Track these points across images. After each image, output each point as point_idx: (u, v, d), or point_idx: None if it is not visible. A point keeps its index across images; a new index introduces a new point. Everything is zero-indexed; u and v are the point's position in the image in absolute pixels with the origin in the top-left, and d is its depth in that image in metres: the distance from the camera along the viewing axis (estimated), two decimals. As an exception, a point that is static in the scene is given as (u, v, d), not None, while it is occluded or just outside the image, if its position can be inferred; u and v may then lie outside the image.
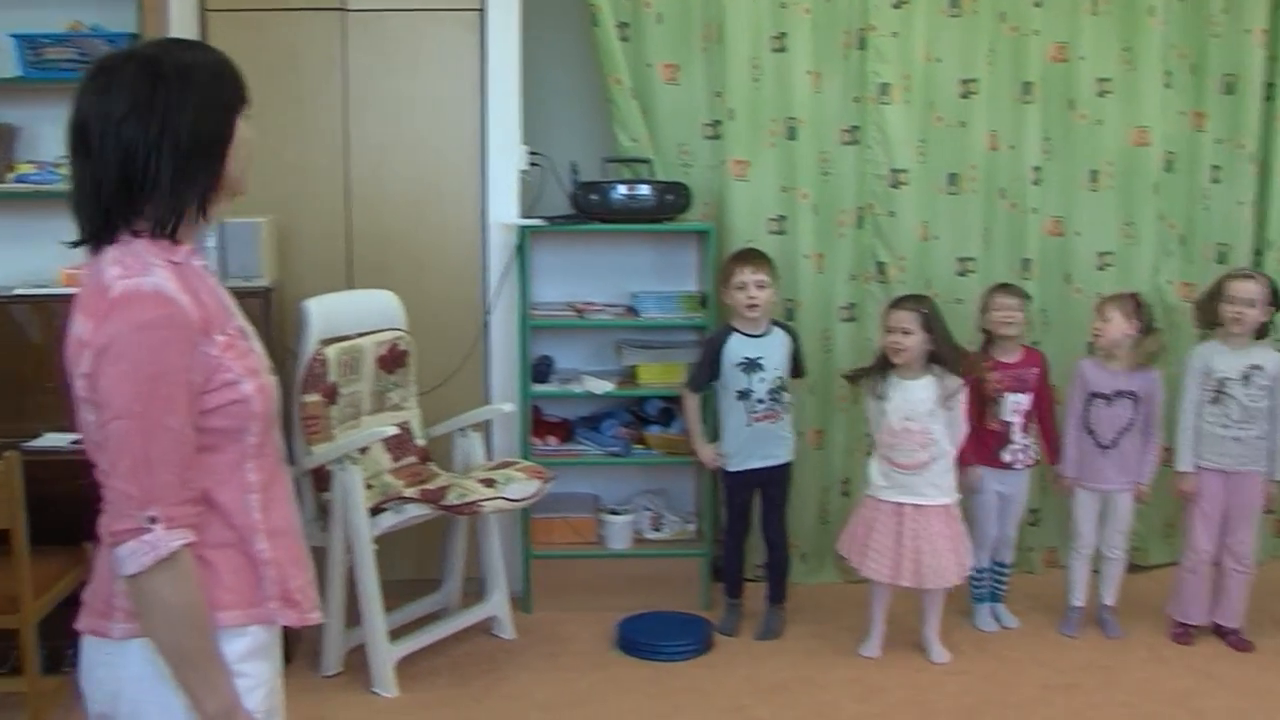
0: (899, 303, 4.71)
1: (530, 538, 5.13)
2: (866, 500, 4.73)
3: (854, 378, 4.89)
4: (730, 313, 4.86)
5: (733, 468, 4.87)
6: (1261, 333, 4.80)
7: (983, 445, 4.91)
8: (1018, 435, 4.92)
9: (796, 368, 4.97)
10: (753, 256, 4.83)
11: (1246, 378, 4.77)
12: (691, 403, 4.89)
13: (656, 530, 5.29)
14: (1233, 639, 4.96)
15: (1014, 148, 5.41)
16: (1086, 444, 4.91)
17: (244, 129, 2.02)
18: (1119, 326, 4.81)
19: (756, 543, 5.09)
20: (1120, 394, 4.87)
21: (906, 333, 4.59)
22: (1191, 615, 4.98)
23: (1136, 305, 4.86)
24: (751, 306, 4.75)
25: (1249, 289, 4.74)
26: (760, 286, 4.75)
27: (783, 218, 5.25)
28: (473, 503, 4.43)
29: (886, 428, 4.63)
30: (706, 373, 4.85)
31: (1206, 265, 5.58)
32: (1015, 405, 4.90)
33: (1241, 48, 5.51)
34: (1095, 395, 4.87)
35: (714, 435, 4.94)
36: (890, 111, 5.25)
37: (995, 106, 5.38)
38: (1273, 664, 4.81)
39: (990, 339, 4.96)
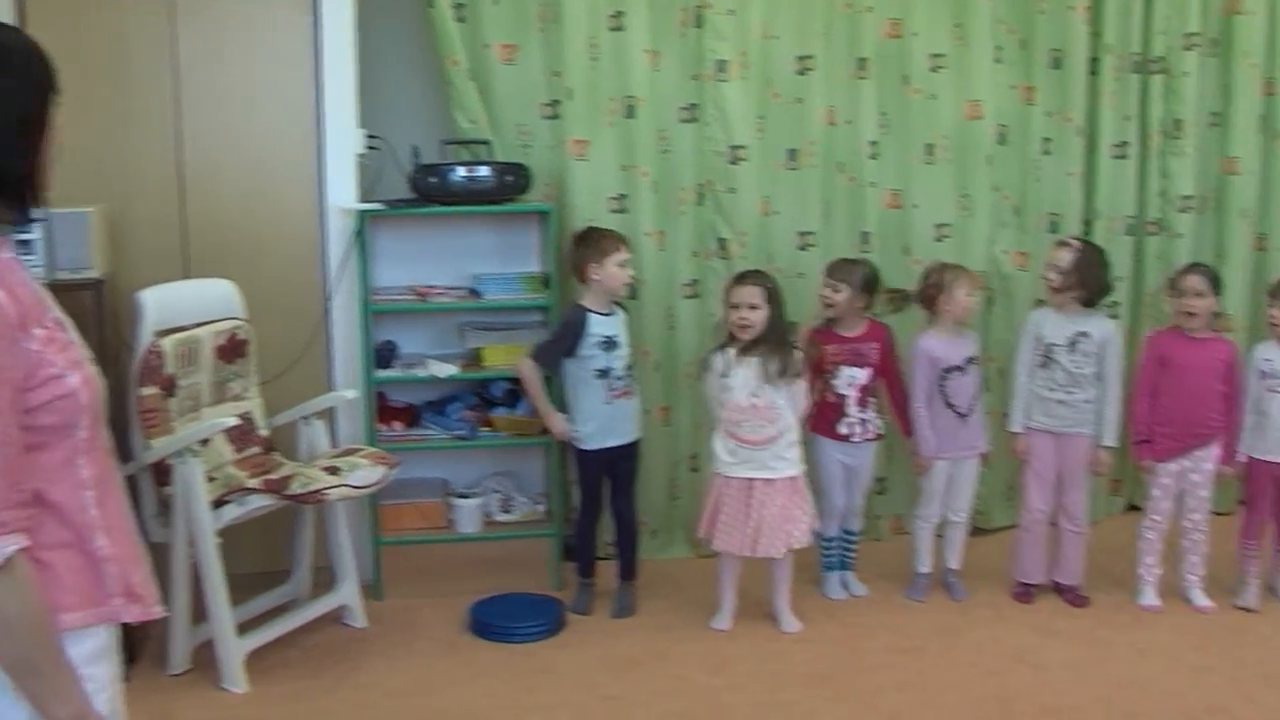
0: (744, 278, 4.74)
1: (379, 524, 5.07)
2: (715, 478, 4.75)
3: (706, 364, 4.88)
4: (581, 292, 4.86)
5: (590, 446, 4.86)
6: (1089, 301, 4.94)
7: (822, 417, 4.99)
8: (853, 409, 4.98)
9: None
10: (623, 240, 4.86)
11: (1073, 344, 4.91)
12: (533, 372, 4.85)
13: (506, 512, 5.28)
14: (1070, 595, 5.11)
15: (851, 123, 5.48)
16: (946, 417, 5.00)
17: (56, 117, 1.95)
18: (963, 294, 4.92)
19: (606, 520, 5.10)
20: (971, 361, 4.98)
21: (754, 307, 4.63)
22: (1031, 574, 5.13)
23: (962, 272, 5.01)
24: (626, 285, 4.84)
25: (1064, 257, 4.92)
26: (620, 264, 4.80)
27: (623, 196, 5.26)
28: (317, 491, 4.37)
29: (733, 405, 4.66)
30: (561, 350, 4.82)
31: (1040, 235, 5.72)
32: (851, 379, 4.96)
33: (1066, 24, 5.66)
34: (950, 369, 4.97)
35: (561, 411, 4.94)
36: (728, 89, 5.28)
37: (831, 83, 5.44)
38: (1109, 618, 4.97)
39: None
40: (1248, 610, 5.03)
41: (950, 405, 4.99)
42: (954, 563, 5.20)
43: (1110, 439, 5.01)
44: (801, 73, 5.39)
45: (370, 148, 5.10)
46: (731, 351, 4.68)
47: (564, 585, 5.15)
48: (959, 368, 4.97)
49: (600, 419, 4.83)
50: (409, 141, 5.09)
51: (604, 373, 4.80)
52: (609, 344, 4.79)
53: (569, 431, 4.88)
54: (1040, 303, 5.10)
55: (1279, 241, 6.20)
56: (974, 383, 5.02)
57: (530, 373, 4.85)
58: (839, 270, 4.97)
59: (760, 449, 4.65)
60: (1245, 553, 5.15)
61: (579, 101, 5.17)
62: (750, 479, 4.66)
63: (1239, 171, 6.07)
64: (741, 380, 4.65)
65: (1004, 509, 5.88)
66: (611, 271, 4.77)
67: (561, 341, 4.83)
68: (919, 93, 5.54)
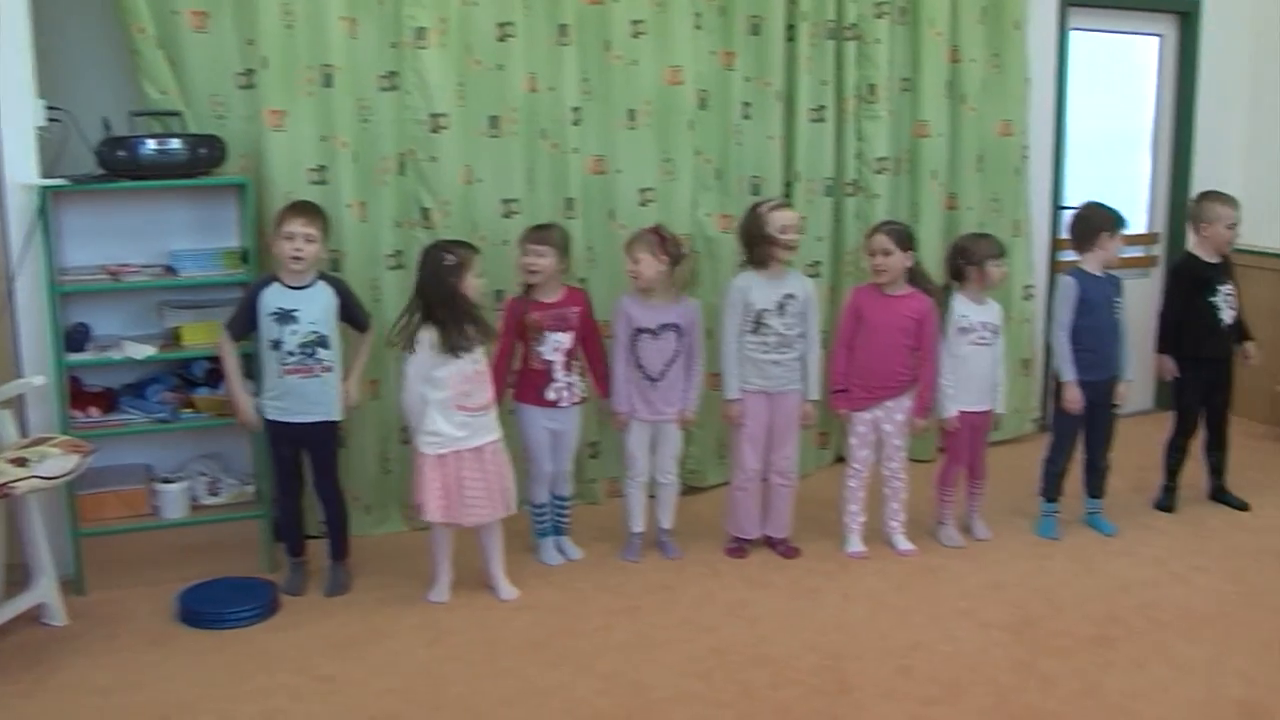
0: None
1: (78, 515, 4.84)
2: (445, 459, 4.63)
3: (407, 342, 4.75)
4: (277, 264, 4.73)
5: (269, 416, 4.76)
6: (757, 261, 5.08)
7: (528, 385, 5.00)
8: (560, 373, 5.01)
9: (356, 321, 4.90)
10: (306, 209, 4.72)
11: (781, 307, 5.04)
12: (228, 347, 4.72)
13: (213, 495, 5.12)
14: (782, 548, 5.28)
15: (553, 89, 5.49)
16: (637, 378, 5.06)
17: None
18: (650, 265, 4.97)
19: (315, 500, 5.00)
20: (665, 327, 5.04)
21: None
22: (747, 530, 5.27)
23: (660, 240, 5.01)
24: (296, 259, 4.64)
25: (786, 217, 5.04)
26: (309, 240, 4.64)
27: (323, 167, 5.14)
28: (2, 485, 4.15)
29: (461, 376, 4.61)
30: (243, 320, 4.70)
31: (742, 197, 5.85)
32: (556, 344, 4.99)
33: (763, -9, 5.80)
34: (641, 330, 5.02)
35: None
36: (427, 56, 5.21)
37: (533, 49, 5.44)
38: (818, 566, 5.16)
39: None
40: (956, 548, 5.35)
41: (640, 367, 5.05)
42: (666, 522, 5.30)
43: (814, 393, 5.17)
44: (502, 39, 5.36)
45: (51, 120, 4.83)
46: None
47: (277, 567, 5.04)
48: (651, 331, 5.03)
49: (276, 391, 4.73)
50: (97, 113, 4.84)
51: (275, 345, 4.68)
52: (284, 317, 4.67)
53: (250, 416, 4.76)
54: (744, 265, 5.20)
55: (968, 200, 6.52)
56: (668, 350, 5.07)
57: (225, 346, 4.72)
58: (539, 237, 4.98)
59: (484, 413, 4.65)
60: (943, 497, 5.41)
61: (274, 71, 5.02)
62: (480, 447, 4.64)
63: (929, 134, 6.36)
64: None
65: (717, 467, 6.01)
66: (279, 244, 4.66)
67: (241, 310, 4.71)
68: (620, 59, 5.59)
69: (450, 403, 4.62)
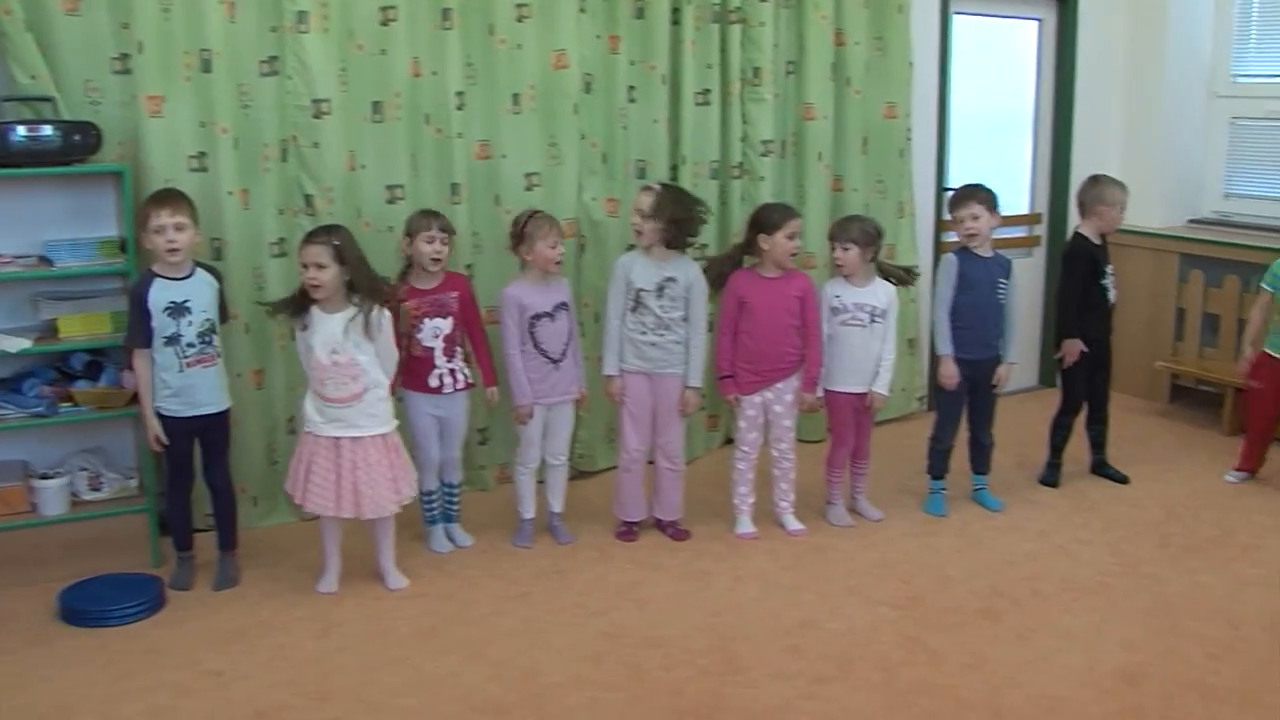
0: (311, 237, 4.62)
1: (-48, 515, 4.73)
2: (305, 436, 4.66)
3: (273, 310, 4.81)
4: (152, 257, 4.63)
5: (167, 414, 4.66)
6: (674, 244, 5.07)
7: (412, 372, 4.96)
8: (441, 360, 4.98)
9: (223, 310, 4.82)
10: (169, 198, 4.60)
11: (661, 289, 5.05)
12: (141, 364, 4.62)
13: (95, 490, 5.00)
14: (672, 530, 5.30)
15: (437, 74, 5.44)
16: (538, 362, 5.04)
17: None
18: (545, 245, 4.96)
19: (203, 492, 4.92)
20: (559, 307, 5.05)
21: (321, 266, 4.52)
22: (632, 513, 5.29)
23: (551, 224, 5.04)
24: (172, 250, 4.54)
25: (645, 200, 5.05)
26: (179, 229, 4.55)
27: (203, 154, 5.04)
28: None
29: (315, 363, 4.58)
30: (144, 327, 4.59)
31: (628, 182, 5.86)
32: (436, 330, 4.95)
33: (647, -25, 5.79)
34: (538, 315, 5.01)
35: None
36: (309, 40, 5.13)
37: (416, 33, 5.38)
38: (708, 548, 5.19)
39: (410, 266, 4.98)
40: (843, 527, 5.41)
41: (542, 351, 5.04)
42: (557, 506, 5.29)
43: (695, 379, 5.18)
44: (385, 24, 5.30)
45: (-84, 107, 4.70)
46: (315, 310, 4.59)
47: (164, 562, 4.94)
48: (548, 314, 5.03)
49: (175, 387, 4.64)
50: (-38, 100, 4.71)
51: (173, 339, 4.60)
52: (177, 310, 4.59)
53: (159, 434, 4.66)
54: (631, 247, 5.21)
55: (854, 182, 6.59)
56: (565, 328, 5.09)
57: (138, 364, 4.62)
58: (423, 222, 4.95)
59: (346, 407, 4.58)
60: (831, 478, 5.47)
61: (151, 55, 4.90)
62: (338, 438, 4.59)
63: (815, 117, 6.40)
64: (321, 339, 4.57)
65: (606, 451, 6.02)
66: (151, 239, 4.56)
67: (136, 316, 4.60)
68: (505, 43, 5.55)
69: (313, 385, 4.61)
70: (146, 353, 4.61)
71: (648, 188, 5.12)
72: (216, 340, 4.72)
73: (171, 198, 4.60)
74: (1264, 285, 5.86)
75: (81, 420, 4.91)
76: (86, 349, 4.88)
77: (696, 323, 5.14)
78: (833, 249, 5.29)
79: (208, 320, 4.67)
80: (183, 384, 4.63)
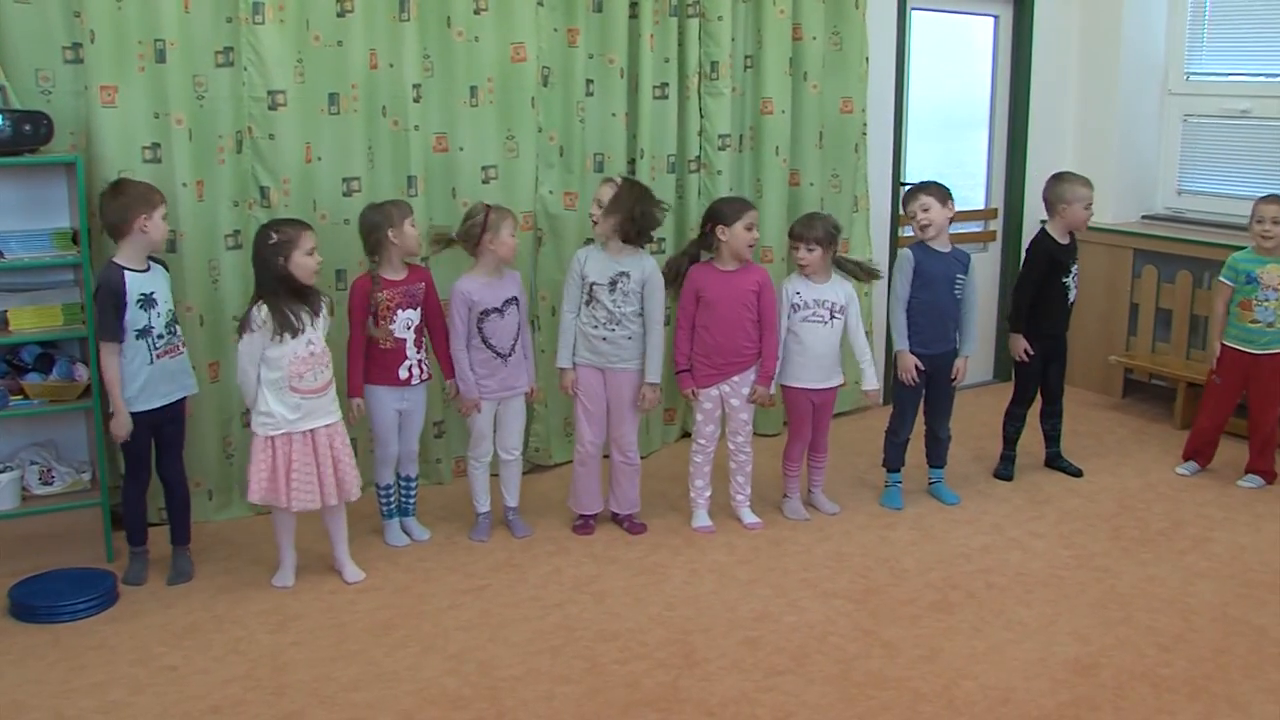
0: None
1: (-100, 510, 4.68)
2: (272, 441, 4.55)
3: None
4: (114, 248, 4.60)
5: (136, 408, 4.62)
6: (630, 239, 5.07)
7: (380, 365, 4.94)
8: (412, 351, 4.97)
9: None
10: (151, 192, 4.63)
11: (614, 284, 5.05)
12: (111, 358, 4.55)
13: (47, 485, 4.96)
14: (628, 524, 5.31)
15: (394, 66, 5.41)
16: (486, 356, 5.03)
17: None
18: (507, 234, 4.96)
19: (157, 486, 4.88)
20: (508, 302, 5.04)
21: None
22: (588, 506, 5.29)
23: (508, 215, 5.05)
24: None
25: (605, 194, 5.06)
26: (163, 217, 4.58)
27: (157, 145, 4.99)
28: None
29: (293, 358, 4.53)
30: (114, 317, 4.52)
31: (586, 175, 5.85)
32: (408, 321, 4.95)
33: (607, -33, 5.79)
34: (488, 311, 5.00)
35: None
36: (265, 32, 5.09)
37: (373, 25, 5.35)
38: (664, 542, 5.19)
39: (380, 258, 4.95)
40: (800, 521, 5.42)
41: (490, 346, 5.03)
42: (512, 500, 5.28)
43: (654, 375, 5.17)
44: (341, 15, 5.26)
45: None
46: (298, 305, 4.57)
47: (117, 556, 4.91)
48: (497, 310, 5.01)
49: (143, 379, 4.61)
50: (-88, 89, 4.65)
51: (145, 331, 4.58)
52: (148, 301, 4.57)
53: (129, 428, 4.61)
54: (589, 241, 5.20)
55: (810, 177, 6.61)
56: (514, 324, 5.07)
57: (109, 357, 4.55)
58: (404, 209, 4.96)
59: (319, 396, 4.58)
60: (788, 472, 5.49)
61: (103, 45, 4.85)
62: (313, 429, 4.58)
63: (773, 111, 6.41)
64: (305, 332, 4.57)
65: (562, 445, 6.01)
66: (156, 225, 4.56)
67: (109, 308, 4.54)
68: (462, 35, 5.54)
69: (284, 384, 4.54)
70: (117, 346, 4.56)
71: (609, 180, 5.12)
72: (179, 329, 4.74)
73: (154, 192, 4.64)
74: (1223, 279, 5.90)
75: (33, 414, 4.87)
76: (38, 341, 4.83)
77: (653, 319, 5.13)
78: (795, 248, 5.29)
79: (170, 311, 4.69)
80: (151, 375, 4.61)
